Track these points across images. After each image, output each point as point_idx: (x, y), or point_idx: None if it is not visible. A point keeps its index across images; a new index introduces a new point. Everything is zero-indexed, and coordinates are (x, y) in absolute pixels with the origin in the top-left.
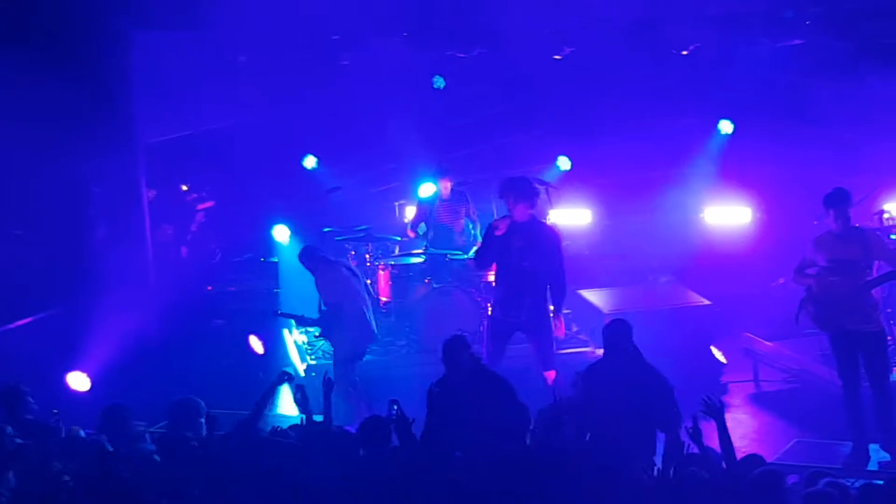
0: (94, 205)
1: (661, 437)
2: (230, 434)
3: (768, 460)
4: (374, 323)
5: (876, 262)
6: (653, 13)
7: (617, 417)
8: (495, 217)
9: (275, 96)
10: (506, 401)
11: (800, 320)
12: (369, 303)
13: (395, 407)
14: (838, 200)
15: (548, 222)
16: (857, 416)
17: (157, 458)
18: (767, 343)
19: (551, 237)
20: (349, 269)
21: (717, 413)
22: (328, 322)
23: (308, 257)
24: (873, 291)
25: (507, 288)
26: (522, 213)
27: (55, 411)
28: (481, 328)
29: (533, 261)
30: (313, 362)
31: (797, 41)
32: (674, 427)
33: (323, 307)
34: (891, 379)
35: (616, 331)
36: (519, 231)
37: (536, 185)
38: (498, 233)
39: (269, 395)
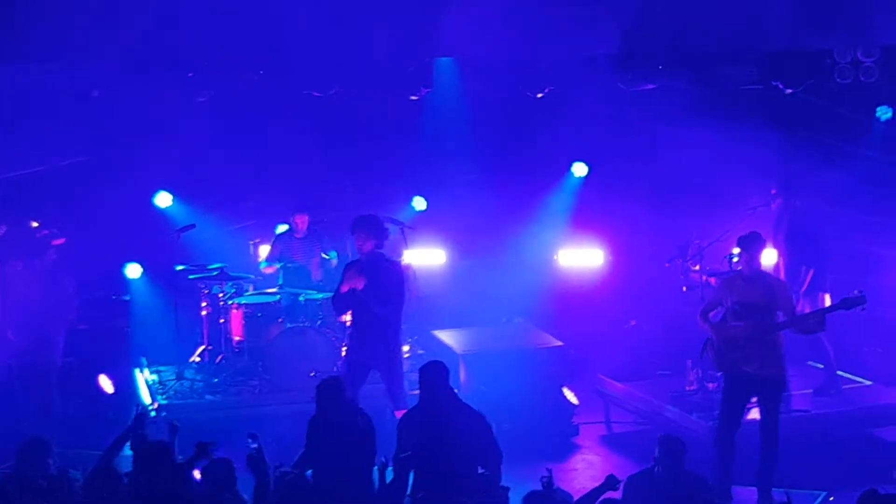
0: None
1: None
2: (86, 474)
3: None
4: None
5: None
6: (507, 55)
7: (439, 459)
8: (349, 255)
9: (129, 132)
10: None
11: (704, 359)
12: None
13: (254, 441)
14: (751, 244)
15: (398, 260)
16: (726, 458)
17: None
18: (619, 384)
19: (396, 273)
20: None
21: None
22: None
23: None
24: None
25: (357, 326)
26: (370, 250)
27: None
28: (335, 368)
29: (378, 298)
30: (165, 402)
31: (649, 86)
32: (493, 462)
33: None
34: (779, 427)
35: (433, 373)
36: (365, 269)
37: (388, 225)
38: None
39: (125, 437)
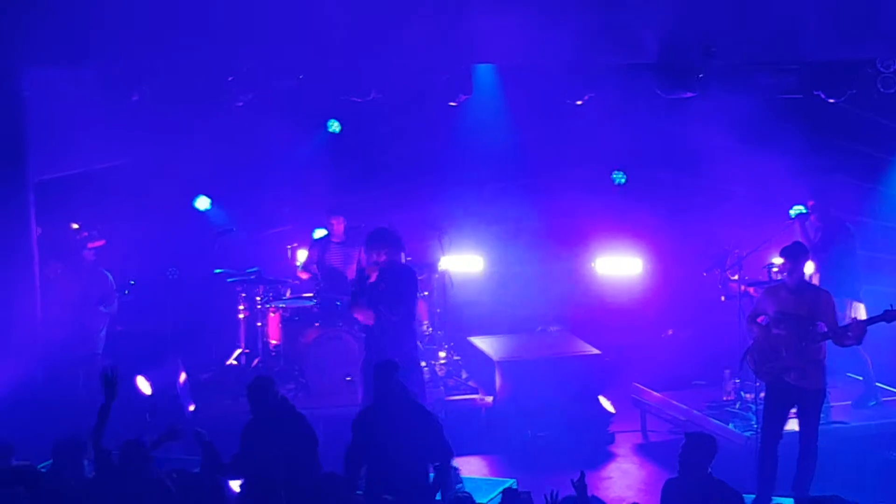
0: None
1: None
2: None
3: None
4: None
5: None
6: (546, 62)
7: (392, 457)
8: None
9: (168, 135)
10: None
11: (743, 367)
12: None
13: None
14: (796, 254)
15: (409, 265)
16: (769, 469)
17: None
18: (656, 393)
19: (408, 278)
20: None
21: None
22: None
23: None
24: (820, 349)
25: (373, 333)
26: (383, 259)
27: None
28: (346, 378)
29: (390, 305)
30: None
31: (690, 94)
32: (443, 458)
33: None
34: (817, 438)
35: (383, 373)
36: (381, 276)
37: (398, 234)
38: (371, 280)
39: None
